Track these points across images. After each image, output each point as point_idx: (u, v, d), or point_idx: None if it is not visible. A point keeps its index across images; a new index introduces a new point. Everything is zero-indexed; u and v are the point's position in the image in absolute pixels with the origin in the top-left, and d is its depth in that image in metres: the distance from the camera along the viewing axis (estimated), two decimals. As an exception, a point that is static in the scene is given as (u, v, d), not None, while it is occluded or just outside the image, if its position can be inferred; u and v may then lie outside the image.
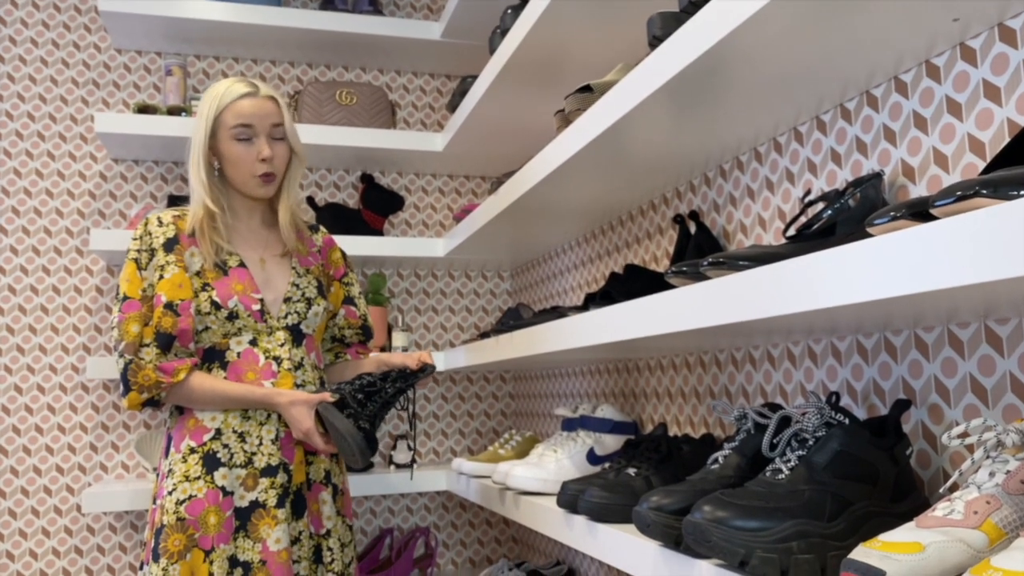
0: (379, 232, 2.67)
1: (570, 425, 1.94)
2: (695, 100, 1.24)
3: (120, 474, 2.52)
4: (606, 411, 1.89)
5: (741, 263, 1.03)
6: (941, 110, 1.09)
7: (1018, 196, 0.67)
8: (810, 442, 1.04)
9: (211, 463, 1.66)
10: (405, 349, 2.59)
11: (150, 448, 2.40)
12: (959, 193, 0.70)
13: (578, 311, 1.56)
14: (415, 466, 2.56)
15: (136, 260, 1.71)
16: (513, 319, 2.28)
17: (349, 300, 1.93)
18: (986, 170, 0.89)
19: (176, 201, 2.56)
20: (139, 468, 2.53)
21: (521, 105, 2.21)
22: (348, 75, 2.86)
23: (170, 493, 1.65)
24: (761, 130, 1.39)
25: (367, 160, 2.71)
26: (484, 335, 2.28)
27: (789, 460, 1.03)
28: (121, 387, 1.67)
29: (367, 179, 2.71)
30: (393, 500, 2.74)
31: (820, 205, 1.27)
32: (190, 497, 1.64)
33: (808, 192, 1.29)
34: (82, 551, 2.47)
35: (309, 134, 2.47)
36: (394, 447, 2.61)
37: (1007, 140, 0.99)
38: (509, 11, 1.93)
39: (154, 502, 1.70)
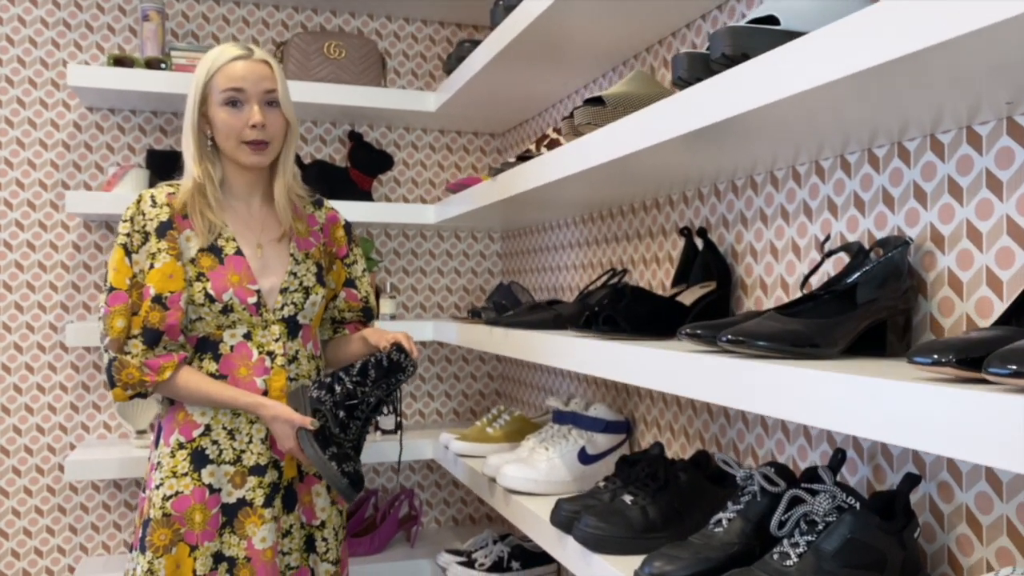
0: (367, 192, 2.58)
1: (561, 418, 1.93)
2: (716, 143, 1.17)
3: (102, 434, 2.49)
4: (598, 410, 1.87)
5: (760, 343, 0.99)
6: (980, 182, 1.03)
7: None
8: (819, 526, 1.02)
9: (199, 460, 1.63)
10: (392, 316, 2.54)
11: (133, 410, 2.37)
12: (1014, 367, 0.65)
13: (577, 325, 1.51)
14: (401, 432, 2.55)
15: (125, 245, 1.63)
16: (505, 299, 2.23)
17: (350, 282, 1.87)
18: (1020, 296, 0.85)
19: (156, 156, 2.45)
20: (121, 429, 2.50)
21: (522, 79, 2.11)
22: (336, 20, 2.70)
23: (158, 487, 1.63)
24: (780, 156, 1.32)
25: (355, 115, 2.60)
26: (475, 313, 2.24)
27: (798, 545, 1.01)
28: (107, 381, 1.62)
29: (355, 137, 2.60)
30: (378, 461, 2.74)
31: (842, 255, 1.22)
32: (176, 493, 1.62)
33: (828, 238, 1.24)
34: (65, 509, 2.46)
35: (296, 91, 2.34)
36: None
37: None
38: (513, -13, 1.81)
39: (143, 491, 1.68)
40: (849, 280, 1.10)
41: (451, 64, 2.28)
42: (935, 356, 0.75)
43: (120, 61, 2.27)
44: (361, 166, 2.56)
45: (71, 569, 2.46)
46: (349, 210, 2.41)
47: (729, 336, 1.01)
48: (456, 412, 2.84)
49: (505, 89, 2.21)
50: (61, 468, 2.45)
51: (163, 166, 2.42)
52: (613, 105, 1.41)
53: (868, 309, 1.08)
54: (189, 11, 2.58)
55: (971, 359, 0.73)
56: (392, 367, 1.68)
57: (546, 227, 2.43)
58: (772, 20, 1.01)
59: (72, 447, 2.46)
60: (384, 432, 2.55)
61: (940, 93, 0.89)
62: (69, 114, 2.47)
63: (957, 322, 1.06)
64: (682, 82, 1.11)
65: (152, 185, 2.33)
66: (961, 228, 1.06)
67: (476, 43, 2.17)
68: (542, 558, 2.25)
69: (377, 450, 2.43)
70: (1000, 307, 1.00)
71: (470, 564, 2.23)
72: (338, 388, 1.65)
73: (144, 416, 2.34)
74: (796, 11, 1.00)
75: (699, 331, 1.10)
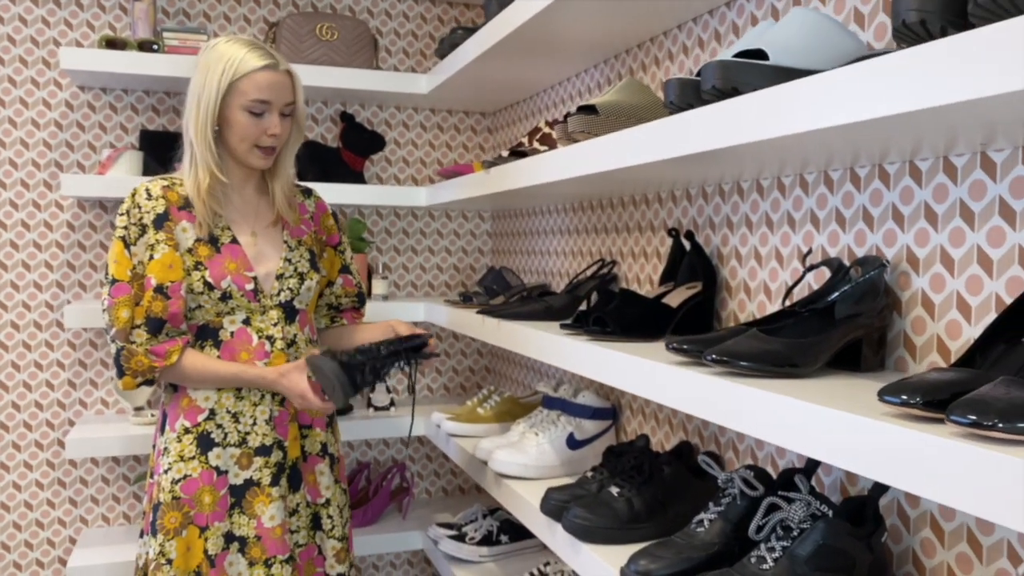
0: (359, 172, 2.61)
1: (551, 404, 2.00)
2: (707, 163, 1.22)
3: (100, 410, 2.54)
4: (586, 397, 1.94)
5: (742, 363, 1.05)
6: (954, 211, 1.08)
7: (1033, 436, 0.70)
8: (794, 532, 1.10)
9: (205, 443, 1.69)
10: (385, 297, 2.59)
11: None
12: (973, 418, 0.71)
13: (568, 326, 1.57)
14: (393, 409, 2.62)
15: (124, 238, 1.67)
16: (496, 284, 2.28)
17: (345, 269, 1.93)
18: (983, 336, 0.91)
19: (149, 137, 2.47)
20: (118, 405, 2.55)
21: (513, 68, 2.13)
22: (327, -2, 2.70)
23: (166, 471, 1.69)
24: (767, 168, 1.37)
25: (347, 95, 2.61)
26: (466, 297, 2.29)
27: (774, 550, 1.09)
28: (115, 370, 1.67)
29: (347, 119, 2.62)
30: (371, 436, 2.81)
31: (824, 270, 1.27)
32: (185, 477, 1.68)
33: (810, 251, 1.30)
34: (65, 483, 2.52)
35: (288, 74, 2.35)
36: (372, 389, 2.65)
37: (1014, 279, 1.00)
38: (508, -19, 1.82)
39: (151, 477, 1.75)
40: (829, 298, 1.16)
41: (443, 49, 2.30)
42: (903, 397, 0.81)
43: (112, 43, 2.27)
44: (353, 147, 2.59)
45: (72, 540, 2.53)
46: (342, 193, 2.44)
47: (714, 356, 1.07)
48: (447, 388, 2.91)
49: (496, 75, 2.23)
50: (60, 443, 2.50)
51: (157, 147, 2.44)
52: (606, 114, 1.44)
53: (846, 326, 1.14)
54: (179, -12, 2.57)
55: (936, 401, 0.79)
56: (410, 339, 1.72)
57: (536, 212, 2.48)
58: (760, 54, 1.05)
59: (71, 423, 2.51)
60: (377, 409, 2.61)
61: (922, 134, 0.93)
62: (61, 93, 2.48)
63: (928, 341, 1.13)
64: (673, 106, 1.15)
65: (147, 165, 2.35)
66: (935, 253, 1.11)
67: (468, 30, 2.19)
68: (529, 532, 2.34)
69: (369, 426, 2.50)
70: (968, 331, 1.06)
71: (460, 538, 2.31)
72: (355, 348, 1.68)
73: (142, 394, 2.39)
74: (783, 46, 1.04)
75: (686, 346, 1.16)
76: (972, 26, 0.73)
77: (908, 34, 0.79)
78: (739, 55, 1.07)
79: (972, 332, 1.06)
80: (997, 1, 0.68)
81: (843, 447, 0.83)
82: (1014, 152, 1.00)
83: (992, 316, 1.03)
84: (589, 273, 2.02)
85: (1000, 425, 0.71)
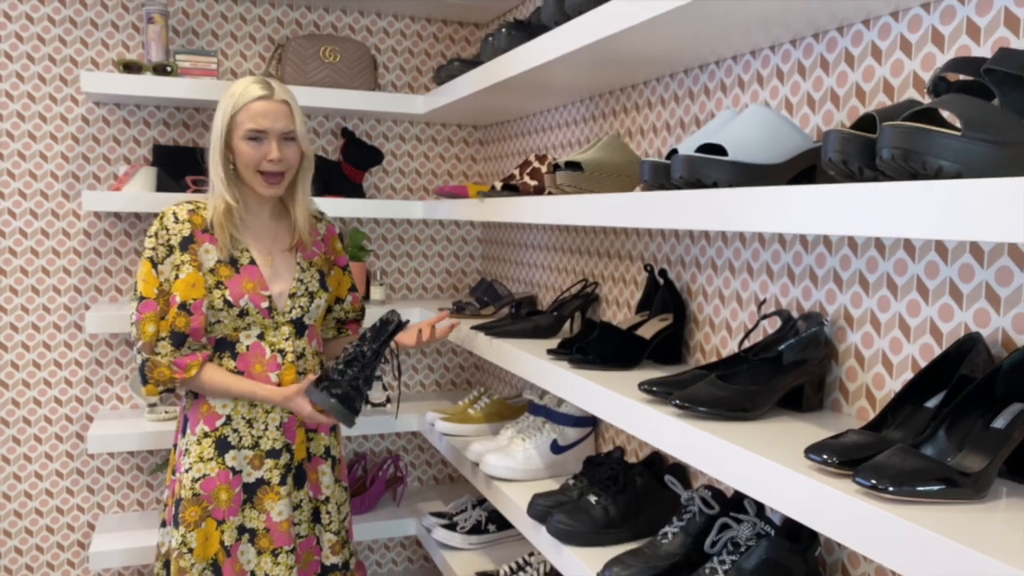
0: (359, 184, 2.78)
1: (536, 411, 2.20)
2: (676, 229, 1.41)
3: (115, 405, 2.73)
4: (569, 407, 2.15)
5: (701, 409, 1.25)
6: (881, 282, 1.29)
7: (916, 501, 0.90)
8: (742, 548, 1.31)
9: (222, 446, 1.89)
10: (382, 302, 2.77)
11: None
12: (873, 482, 0.92)
13: (553, 351, 1.77)
14: (389, 405, 2.82)
15: (151, 259, 1.85)
16: (487, 295, 2.47)
17: (353, 287, 2.12)
18: (893, 401, 1.11)
19: (161, 152, 2.62)
20: (132, 400, 2.73)
21: (505, 101, 2.30)
22: (329, 17, 2.85)
23: (187, 471, 1.88)
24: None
25: (348, 111, 2.77)
26: (459, 307, 2.48)
27: (724, 563, 1.30)
28: (140, 378, 1.86)
29: (347, 134, 2.79)
30: (367, 432, 3.02)
31: (776, 319, 1.48)
32: (204, 476, 1.88)
33: (764, 300, 1.50)
34: (83, 472, 2.71)
35: (296, 94, 2.51)
36: (369, 388, 2.85)
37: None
38: (503, 30, 1.99)
39: (173, 474, 1.94)
40: (779, 348, 1.36)
41: (440, 77, 2.46)
42: (824, 456, 1.01)
43: (129, 67, 2.41)
44: (353, 161, 2.75)
45: (90, 525, 2.73)
46: (345, 207, 2.61)
47: (677, 401, 1.27)
48: (438, 383, 3.11)
49: (489, 103, 2.40)
50: (79, 436, 2.69)
51: (169, 161, 2.60)
52: (590, 170, 1.63)
53: (792, 373, 1.34)
54: (189, 8, 2.70)
55: (848, 461, 1.00)
56: (383, 323, 1.93)
57: (525, 226, 2.66)
58: (720, 149, 1.24)
59: (88, 417, 2.69)
60: (374, 406, 2.81)
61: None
62: (77, 108, 2.62)
63: (859, 388, 1.33)
64: (647, 184, 1.34)
65: (160, 180, 2.52)
66: (867, 314, 1.32)
67: (465, 62, 2.35)
68: (515, 522, 2.56)
69: (367, 423, 2.70)
70: (890, 383, 1.27)
71: (452, 527, 2.52)
72: (342, 355, 1.90)
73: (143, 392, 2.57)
74: (740, 144, 1.23)
75: (655, 388, 1.36)
76: (880, 171, 0.93)
77: (832, 167, 0.99)
78: (702, 148, 1.26)
79: (893, 385, 1.27)
80: (895, 160, 0.87)
81: (772, 491, 1.04)
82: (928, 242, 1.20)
83: (908, 374, 1.24)
84: (574, 291, 2.22)
85: (891, 489, 0.91)
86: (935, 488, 0.91)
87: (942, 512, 0.89)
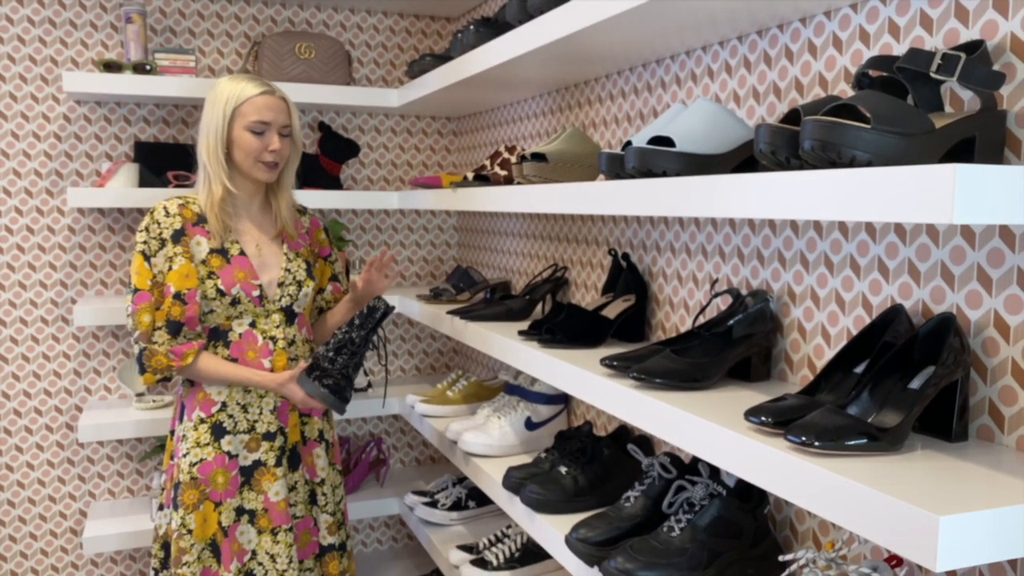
0: (336, 177, 2.86)
1: (511, 390, 2.31)
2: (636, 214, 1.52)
3: (103, 395, 2.81)
4: (541, 385, 2.26)
5: (657, 380, 1.36)
6: (820, 260, 1.40)
7: (840, 455, 1.02)
8: (696, 507, 1.43)
9: (218, 432, 1.98)
10: (362, 290, 2.86)
11: (131, 375, 2.69)
12: (803, 439, 1.03)
13: (524, 333, 1.87)
14: (370, 389, 2.92)
15: (144, 252, 1.93)
16: (462, 282, 2.57)
17: (334, 277, 2.23)
18: (825, 368, 1.23)
19: (143, 148, 2.69)
20: (120, 391, 2.82)
21: (474, 95, 2.40)
22: (304, 14, 2.92)
23: (184, 456, 1.98)
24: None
25: (324, 105, 2.85)
26: (436, 293, 2.58)
27: (680, 521, 1.41)
28: (138, 367, 1.95)
29: (324, 128, 2.87)
30: (351, 416, 3.11)
31: (727, 296, 1.59)
32: (201, 460, 1.97)
33: (716, 280, 1.61)
34: (73, 461, 2.79)
35: (271, 91, 2.59)
36: (358, 375, 2.94)
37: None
38: (471, 27, 2.08)
39: (172, 459, 2.03)
40: (729, 323, 1.48)
41: (413, 71, 2.55)
42: (761, 418, 1.13)
43: (109, 66, 2.48)
44: (330, 154, 2.84)
45: (82, 512, 2.81)
46: (323, 199, 2.70)
47: (635, 373, 1.38)
48: (418, 368, 3.21)
49: (459, 96, 2.50)
50: (68, 426, 2.77)
51: (150, 157, 2.68)
52: (554, 161, 1.73)
53: (741, 346, 1.46)
54: (166, 7, 2.77)
55: (782, 421, 1.11)
56: (371, 310, 2.04)
57: (497, 214, 2.76)
58: (670, 140, 1.35)
59: (78, 408, 2.77)
60: (356, 391, 2.90)
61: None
62: (59, 107, 2.69)
63: (802, 358, 1.45)
64: (605, 174, 1.44)
65: (142, 176, 2.59)
66: (807, 291, 1.43)
67: (436, 57, 2.44)
68: (494, 498, 2.67)
69: (350, 406, 2.79)
70: (828, 352, 1.39)
71: (433, 504, 2.63)
72: (331, 341, 2.01)
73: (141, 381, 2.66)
74: (687, 136, 1.34)
75: (615, 363, 1.47)
76: (805, 161, 1.04)
77: (763, 157, 1.10)
78: (653, 140, 1.36)
79: (831, 354, 1.38)
80: (815, 151, 0.98)
81: (718, 452, 1.15)
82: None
83: (844, 343, 1.35)
84: (545, 276, 2.32)
85: (816, 444, 1.02)
86: (856, 442, 1.03)
87: (863, 464, 1.00)
